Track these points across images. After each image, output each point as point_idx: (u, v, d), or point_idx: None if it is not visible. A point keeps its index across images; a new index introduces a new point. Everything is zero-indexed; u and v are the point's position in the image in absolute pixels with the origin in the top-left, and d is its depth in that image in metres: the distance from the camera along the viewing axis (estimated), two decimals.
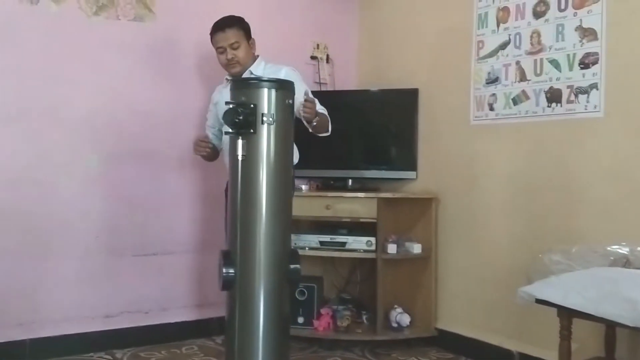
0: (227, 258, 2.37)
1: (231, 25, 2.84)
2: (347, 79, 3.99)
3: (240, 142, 2.34)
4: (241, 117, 2.29)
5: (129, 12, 3.25)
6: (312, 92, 3.74)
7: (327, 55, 3.95)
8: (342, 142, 3.72)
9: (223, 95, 2.76)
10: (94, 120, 3.15)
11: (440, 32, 3.46)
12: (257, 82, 2.37)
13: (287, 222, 2.43)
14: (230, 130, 2.34)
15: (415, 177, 3.57)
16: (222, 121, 2.52)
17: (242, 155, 2.35)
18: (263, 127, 2.34)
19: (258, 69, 2.92)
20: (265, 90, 2.35)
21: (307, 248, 3.36)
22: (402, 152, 3.64)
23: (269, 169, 2.36)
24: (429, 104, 3.52)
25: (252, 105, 2.32)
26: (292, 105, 2.43)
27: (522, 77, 2.99)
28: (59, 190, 3.07)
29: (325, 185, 3.74)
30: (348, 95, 3.83)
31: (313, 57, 3.90)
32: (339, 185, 3.69)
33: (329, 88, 3.92)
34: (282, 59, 3.71)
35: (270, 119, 2.34)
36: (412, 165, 3.57)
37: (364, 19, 4.01)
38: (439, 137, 3.45)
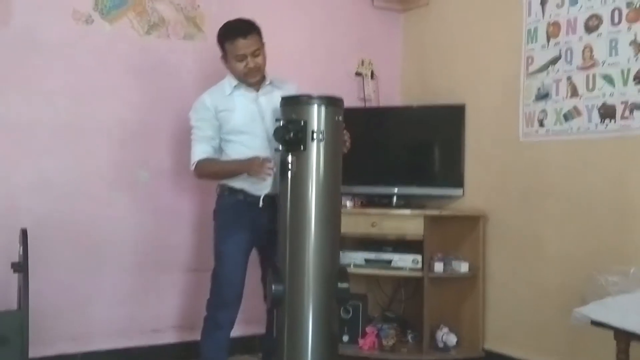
0: (277, 274, 2.38)
1: (252, 30, 2.58)
2: (392, 95, 3.98)
3: (290, 158, 2.36)
4: (292, 135, 2.30)
5: (180, 30, 3.31)
6: (357, 108, 3.78)
7: (372, 72, 3.94)
8: (387, 158, 3.74)
9: (235, 102, 2.59)
10: (145, 136, 3.22)
11: (487, 47, 3.43)
12: (307, 99, 2.39)
13: (336, 239, 2.43)
14: (280, 147, 2.36)
15: (462, 194, 3.52)
16: (227, 129, 2.54)
17: (292, 172, 2.36)
18: (313, 144, 2.35)
19: (269, 78, 2.69)
20: (316, 106, 2.37)
21: (352, 265, 3.34)
22: (449, 169, 3.60)
23: (318, 185, 2.38)
24: (476, 120, 3.48)
25: (302, 123, 2.34)
26: (342, 121, 2.43)
27: (574, 93, 2.93)
28: (111, 205, 3.13)
29: (370, 202, 3.72)
30: (393, 112, 3.82)
31: (358, 74, 3.91)
32: (384, 202, 3.67)
33: (374, 104, 3.91)
34: (327, 75, 3.78)
35: (321, 136, 2.35)
36: (458, 182, 3.52)
37: (409, 35, 4.01)
38: (486, 153, 3.41)
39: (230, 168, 2.57)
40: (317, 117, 2.36)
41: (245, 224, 2.56)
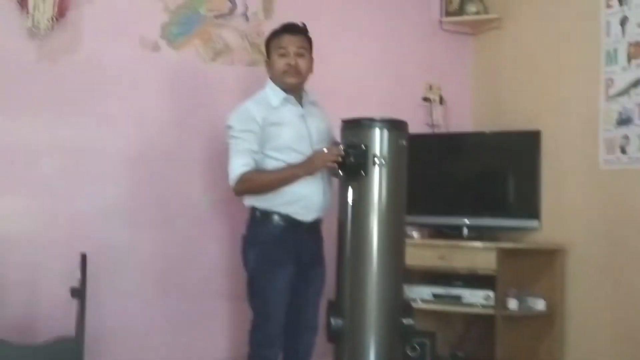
0: (335, 308, 2.25)
1: (302, 31, 2.52)
2: (462, 121, 3.81)
3: (351, 186, 2.25)
4: (352, 160, 2.20)
5: (244, 57, 3.30)
6: (424, 135, 3.65)
7: (440, 97, 3.80)
8: (456, 187, 3.57)
9: (284, 116, 2.44)
10: (208, 162, 3.18)
11: (564, 70, 3.23)
12: (368, 122, 2.28)
13: (400, 272, 2.30)
14: (340, 173, 2.25)
15: (538, 226, 3.29)
16: (274, 146, 2.36)
17: (352, 199, 2.25)
18: (375, 170, 2.23)
19: (311, 93, 2.59)
20: (378, 130, 2.25)
21: (419, 300, 3.16)
22: (523, 199, 3.38)
23: (380, 213, 2.26)
24: (552, 147, 3.26)
25: (363, 147, 2.23)
26: (405, 146, 2.31)
27: None
28: (173, 231, 3.11)
29: (438, 232, 3.54)
30: (463, 138, 3.66)
31: (425, 99, 3.77)
32: (454, 233, 3.48)
33: (442, 130, 3.76)
34: (394, 101, 3.67)
35: (383, 161, 2.23)
36: (534, 214, 3.30)
37: (480, 58, 3.85)
38: (564, 182, 3.19)
39: (287, 174, 2.34)
40: (379, 141, 2.24)
41: (290, 255, 2.39)
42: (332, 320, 2.23)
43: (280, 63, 2.46)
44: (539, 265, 3.20)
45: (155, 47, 3.10)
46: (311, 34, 3.39)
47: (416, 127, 3.64)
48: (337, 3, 3.55)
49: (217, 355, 3.16)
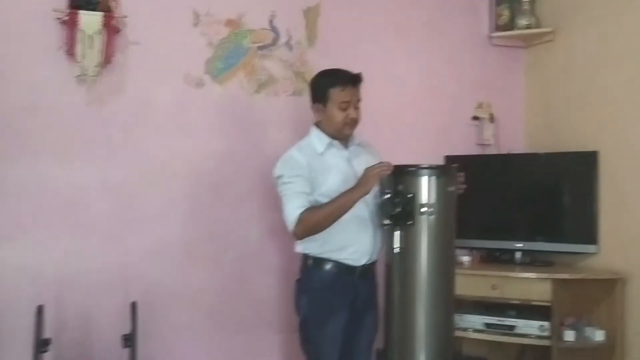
0: (384, 358, 2.23)
1: (361, 80, 2.45)
2: (513, 140, 3.70)
3: (397, 234, 2.21)
4: (399, 210, 2.16)
5: (289, 87, 3.28)
6: (475, 155, 3.55)
7: (491, 115, 3.69)
8: (509, 210, 3.48)
9: (329, 162, 2.42)
10: (256, 194, 3.19)
11: (622, 86, 3.08)
12: (415, 169, 2.23)
13: (449, 324, 2.25)
14: (387, 222, 2.22)
15: (596, 251, 3.18)
16: (321, 192, 2.33)
17: (400, 248, 2.21)
18: (423, 218, 2.18)
19: (358, 136, 2.56)
20: (426, 178, 2.20)
21: (471, 330, 3.10)
22: (580, 223, 3.26)
23: (429, 263, 2.21)
24: (611, 169, 3.13)
25: (409, 195, 2.18)
26: (455, 192, 2.25)
27: None
28: (224, 265, 3.15)
29: (490, 257, 3.46)
30: (516, 159, 3.55)
31: (475, 117, 3.67)
32: (506, 258, 3.40)
33: (493, 150, 3.66)
34: (443, 121, 3.59)
35: (431, 210, 2.18)
36: (592, 239, 3.18)
37: (532, 74, 3.71)
38: (625, 207, 3.05)
39: (344, 200, 2.27)
40: (427, 189, 2.19)
41: (343, 302, 2.38)
42: None
43: (340, 116, 2.42)
44: (597, 294, 3.09)
45: (200, 83, 3.12)
46: (357, 58, 3.37)
47: (467, 147, 3.62)
48: (382, 25, 3.49)
49: None
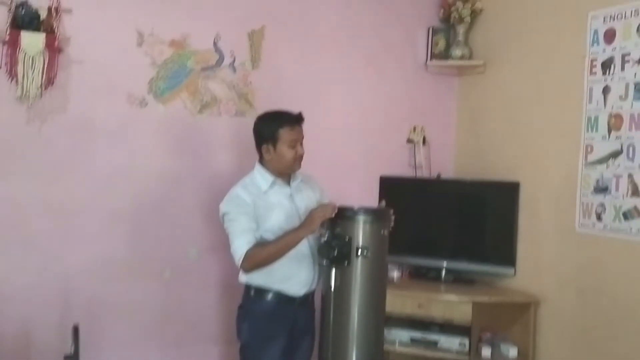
0: None
1: (303, 120, 2.60)
2: (444, 163, 3.90)
3: (333, 272, 2.36)
4: (336, 253, 2.29)
5: (231, 108, 3.34)
6: (408, 178, 3.74)
7: (424, 138, 3.88)
8: (437, 230, 3.70)
9: (272, 200, 2.54)
10: (196, 212, 3.27)
11: (545, 126, 3.31)
12: (352, 214, 2.37)
13: (378, 354, 2.41)
14: (325, 262, 2.35)
15: (513, 273, 3.44)
16: (265, 228, 2.45)
17: (335, 285, 2.35)
18: (358, 260, 2.33)
19: (297, 174, 2.67)
20: (361, 223, 2.34)
21: (397, 344, 3.31)
22: (501, 247, 3.51)
23: (361, 302, 2.37)
24: (530, 200, 3.38)
25: (347, 239, 2.32)
26: (388, 236, 2.41)
27: (635, 192, 2.81)
28: (163, 282, 3.22)
29: (418, 273, 3.68)
30: (445, 183, 3.76)
31: (409, 140, 3.85)
32: (432, 275, 3.62)
33: (425, 171, 3.85)
34: (379, 140, 3.75)
35: (365, 252, 2.33)
36: (510, 261, 3.44)
37: (464, 102, 3.92)
38: (541, 236, 3.31)
39: (290, 239, 2.40)
40: (362, 233, 2.34)
41: (282, 329, 2.52)
42: None
43: (290, 154, 2.54)
44: (512, 314, 3.35)
45: (143, 103, 3.14)
46: (299, 80, 3.48)
47: (399, 168, 3.80)
48: (325, 49, 3.59)
49: None
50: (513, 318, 3.36)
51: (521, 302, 3.30)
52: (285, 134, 2.54)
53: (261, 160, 2.63)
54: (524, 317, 3.30)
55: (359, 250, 2.32)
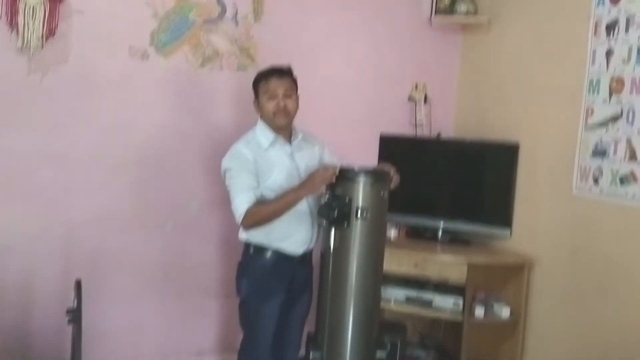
0: (314, 341, 2.45)
1: (287, 74, 2.58)
2: (444, 122, 3.90)
3: (332, 232, 2.39)
4: (336, 214, 2.32)
5: (233, 62, 3.32)
6: (407, 138, 3.74)
7: (426, 96, 3.86)
8: (435, 190, 3.72)
9: (272, 158, 2.54)
10: (197, 166, 3.29)
11: (547, 87, 3.30)
12: (353, 175, 2.38)
13: (375, 313, 2.47)
14: (325, 223, 2.38)
15: (509, 234, 3.48)
16: (265, 186, 2.47)
17: (334, 246, 2.39)
18: (357, 222, 2.36)
19: (300, 130, 2.67)
20: (361, 184, 2.36)
21: (392, 302, 3.38)
22: (497, 208, 3.54)
23: (360, 262, 2.40)
24: (529, 162, 3.40)
25: (347, 200, 2.35)
26: (387, 197, 2.43)
27: (632, 157, 2.82)
28: (164, 234, 3.27)
29: (415, 233, 3.72)
30: (445, 143, 3.76)
31: (410, 99, 3.84)
32: (429, 235, 3.67)
33: (425, 130, 3.85)
34: (380, 98, 3.74)
35: (365, 214, 2.35)
36: (506, 223, 3.48)
37: (466, 62, 3.89)
38: (537, 198, 3.34)
39: (290, 198, 2.42)
40: (362, 194, 2.36)
41: (280, 286, 2.56)
42: (311, 353, 2.43)
43: (269, 105, 2.54)
44: (506, 275, 3.41)
45: (145, 55, 3.11)
46: (298, 36, 3.44)
47: (400, 126, 3.80)
48: (328, 3, 3.53)
49: (207, 345, 3.39)
50: (507, 278, 3.42)
51: (515, 264, 3.35)
52: (262, 87, 2.57)
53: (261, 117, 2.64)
54: (517, 278, 3.36)
55: (359, 212, 2.34)
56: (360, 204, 2.35)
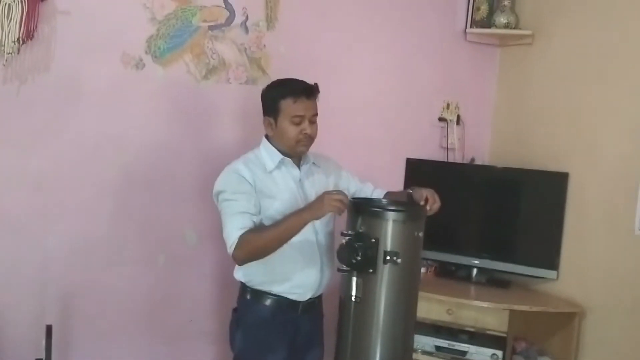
0: None
1: (317, 92, 2.16)
2: (479, 147, 3.47)
3: (354, 281, 1.95)
4: (359, 257, 1.88)
5: (241, 74, 2.91)
6: (438, 162, 3.31)
7: (458, 116, 3.43)
8: (469, 223, 3.31)
9: (278, 183, 2.15)
10: (196, 193, 2.85)
11: (601, 111, 2.86)
12: (381, 212, 1.94)
13: None
14: (345, 268, 1.94)
15: (555, 277, 3.02)
16: (266, 216, 2.06)
17: (356, 297, 1.95)
18: (385, 267, 1.92)
19: (309, 155, 2.26)
20: (391, 223, 1.92)
21: (419, 351, 2.92)
22: (542, 246, 3.08)
23: (387, 317, 1.96)
24: (580, 195, 2.95)
25: (373, 240, 1.91)
26: (422, 238, 1.99)
27: None
28: (157, 269, 2.84)
29: (445, 271, 3.27)
30: (481, 170, 3.34)
31: (441, 119, 3.41)
32: (462, 274, 3.22)
33: (457, 155, 3.42)
34: (407, 118, 3.32)
35: (395, 258, 1.91)
36: (552, 264, 3.02)
37: (504, 79, 3.46)
38: (590, 237, 2.88)
39: (292, 222, 1.97)
40: (390, 234, 1.92)
41: (282, 340, 2.14)
42: None
43: (294, 131, 2.12)
44: (553, 325, 2.95)
45: (139, 64, 2.71)
46: (320, 46, 3.04)
47: (429, 150, 3.38)
48: (351, 10, 3.14)
49: None
50: (553, 328, 2.96)
51: (565, 312, 2.88)
52: (287, 106, 2.12)
53: (267, 136, 2.22)
54: (566, 327, 2.90)
55: (388, 255, 1.90)
56: (389, 247, 1.91)
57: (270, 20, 2.95)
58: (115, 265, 2.75)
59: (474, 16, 3.35)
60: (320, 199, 1.98)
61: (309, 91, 2.14)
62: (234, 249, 2.02)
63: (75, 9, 2.57)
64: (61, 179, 2.63)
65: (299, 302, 2.15)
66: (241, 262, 2.10)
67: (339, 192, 2.00)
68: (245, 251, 2.02)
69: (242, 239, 2.00)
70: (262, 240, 2.01)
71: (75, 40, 2.58)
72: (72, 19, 2.56)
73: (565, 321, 2.89)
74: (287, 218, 2.02)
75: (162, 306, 2.86)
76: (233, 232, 2.03)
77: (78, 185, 2.67)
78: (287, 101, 2.11)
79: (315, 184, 2.22)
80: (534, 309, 2.84)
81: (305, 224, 1.99)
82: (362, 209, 1.95)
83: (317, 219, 2.00)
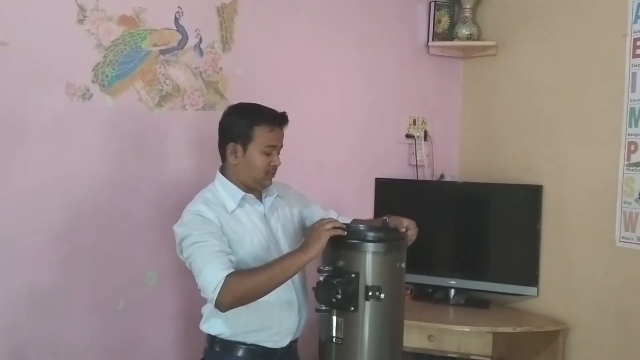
0: None
1: (287, 123, 2.03)
2: (449, 160, 3.38)
3: (334, 320, 1.79)
4: (339, 295, 1.72)
5: (198, 100, 2.74)
6: (408, 180, 3.20)
7: (425, 132, 3.33)
8: (443, 243, 3.18)
9: (242, 223, 1.98)
10: (153, 230, 2.66)
11: (574, 121, 2.80)
12: (360, 244, 1.78)
13: None
14: (324, 308, 1.78)
15: (536, 293, 2.92)
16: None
17: (337, 338, 1.79)
18: (367, 304, 1.77)
19: (273, 188, 2.11)
20: (371, 255, 1.77)
21: None
22: (520, 262, 2.99)
23: (372, 356, 1.81)
24: (556, 208, 2.86)
25: (353, 275, 1.75)
26: (404, 269, 1.84)
27: None
28: (114, 316, 2.61)
29: (422, 293, 3.14)
30: (451, 187, 3.23)
31: (408, 136, 3.30)
32: (439, 296, 3.09)
33: (427, 170, 3.31)
34: (372, 136, 3.20)
35: (377, 293, 1.76)
36: (532, 280, 2.93)
37: (469, 92, 3.38)
38: (570, 251, 2.80)
39: (285, 266, 1.79)
40: (371, 267, 1.77)
41: None
42: None
43: (264, 162, 1.96)
44: (537, 343, 2.85)
45: (86, 95, 2.51)
46: (279, 68, 2.90)
47: (397, 168, 3.27)
48: (310, 28, 3.01)
49: None
50: (538, 347, 2.86)
51: (549, 332, 2.77)
52: (261, 134, 1.95)
53: (223, 167, 2.04)
54: (550, 345, 2.80)
55: (370, 291, 1.75)
56: (370, 281, 1.75)
57: (226, 41, 2.79)
58: (68, 314, 2.52)
59: (435, 29, 3.27)
60: (315, 235, 1.79)
61: (284, 121, 2.00)
62: (219, 292, 1.77)
63: (13, 39, 2.35)
64: (4, 225, 2.40)
65: (276, 349, 1.97)
66: (227, 308, 1.82)
67: (327, 219, 1.86)
68: (233, 294, 1.77)
69: (229, 280, 1.77)
70: (254, 282, 1.78)
71: (13, 73, 2.36)
72: (9, 50, 2.34)
73: (550, 339, 2.79)
74: (281, 259, 1.83)
75: (123, 355, 2.63)
76: (215, 273, 1.78)
77: (23, 230, 2.42)
78: (262, 129, 1.95)
79: (280, 218, 2.07)
80: (518, 329, 2.72)
81: (303, 266, 1.81)
82: (340, 242, 1.78)
83: (315, 257, 1.81)
